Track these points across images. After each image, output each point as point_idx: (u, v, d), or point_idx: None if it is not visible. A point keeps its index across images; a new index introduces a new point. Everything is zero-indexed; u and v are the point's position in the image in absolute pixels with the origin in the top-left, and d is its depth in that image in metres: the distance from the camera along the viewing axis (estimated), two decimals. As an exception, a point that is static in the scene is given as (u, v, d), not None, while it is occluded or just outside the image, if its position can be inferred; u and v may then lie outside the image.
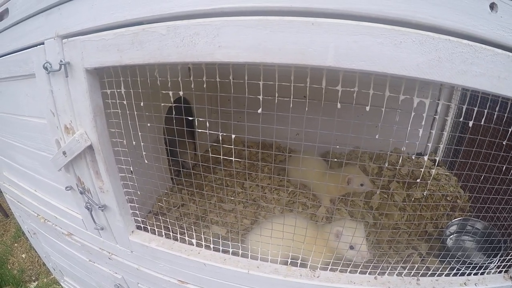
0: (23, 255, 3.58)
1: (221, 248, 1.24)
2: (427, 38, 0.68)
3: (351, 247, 1.20)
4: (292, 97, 0.81)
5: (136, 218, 1.34)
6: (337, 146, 1.84)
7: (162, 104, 1.08)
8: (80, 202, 1.35)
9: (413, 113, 0.82)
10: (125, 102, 1.03)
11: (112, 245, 1.44)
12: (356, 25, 0.69)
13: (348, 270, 1.14)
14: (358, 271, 1.14)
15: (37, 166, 1.56)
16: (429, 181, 1.88)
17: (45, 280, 3.21)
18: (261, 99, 0.83)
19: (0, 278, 3.20)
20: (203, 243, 1.25)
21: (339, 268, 1.15)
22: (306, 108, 0.84)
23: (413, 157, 2.15)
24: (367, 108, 0.81)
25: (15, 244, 3.76)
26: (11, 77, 1.31)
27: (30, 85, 1.24)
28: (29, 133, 1.44)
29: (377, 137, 0.89)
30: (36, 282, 3.24)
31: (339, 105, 0.82)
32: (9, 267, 3.41)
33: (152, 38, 0.82)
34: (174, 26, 0.79)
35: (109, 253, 1.51)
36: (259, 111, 0.84)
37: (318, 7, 0.71)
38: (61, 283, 2.64)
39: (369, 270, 1.14)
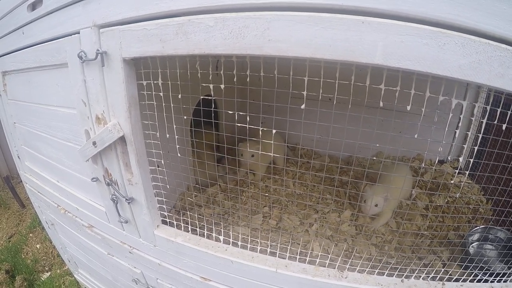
0: (38, 246, 3.62)
1: (249, 245, 1.23)
2: (469, 41, 0.69)
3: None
4: (336, 94, 0.81)
5: (162, 212, 1.33)
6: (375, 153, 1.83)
7: (201, 97, 1.07)
8: (105, 194, 1.36)
9: (451, 114, 0.82)
10: (161, 94, 1.03)
11: (134, 238, 1.44)
12: (404, 26, 0.70)
13: (376, 272, 1.14)
14: (385, 274, 1.13)
15: (62, 156, 1.57)
16: (450, 187, 1.86)
17: (58, 271, 3.24)
18: (305, 95, 0.82)
19: (14, 267, 3.24)
20: (231, 240, 1.25)
21: (367, 270, 1.14)
22: (349, 109, 0.84)
23: (448, 158, 2.11)
24: (408, 108, 0.81)
25: (30, 234, 3.81)
26: (41, 66, 1.32)
27: (61, 74, 1.24)
28: (56, 123, 1.45)
29: (415, 136, 0.89)
30: (49, 273, 3.27)
31: (381, 104, 0.82)
32: (23, 257, 3.46)
33: (199, 29, 0.82)
34: (222, 18, 0.79)
35: (131, 247, 1.50)
36: (302, 106, 0.84)
37: (368, 7, 0.71)
38: (74, 275, 2.66)
39: (396, 273, 1.13)
